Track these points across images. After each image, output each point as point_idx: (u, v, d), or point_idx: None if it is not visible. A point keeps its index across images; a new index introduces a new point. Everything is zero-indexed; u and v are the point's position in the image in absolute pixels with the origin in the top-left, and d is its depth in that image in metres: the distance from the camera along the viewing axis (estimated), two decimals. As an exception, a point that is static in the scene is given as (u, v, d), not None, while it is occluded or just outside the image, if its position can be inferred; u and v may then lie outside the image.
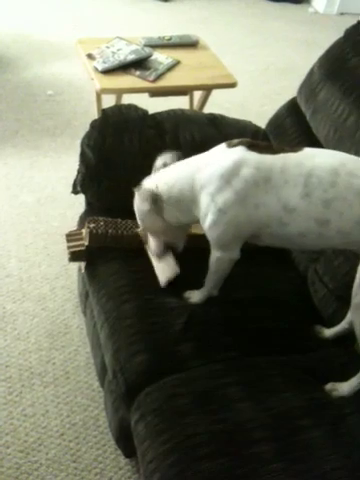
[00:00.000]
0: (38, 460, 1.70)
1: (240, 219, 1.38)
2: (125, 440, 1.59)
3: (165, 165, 1.54)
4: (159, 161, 1.57)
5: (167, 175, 1.50)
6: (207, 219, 1.41)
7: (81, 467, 1.69)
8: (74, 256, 1.72)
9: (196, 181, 1.42)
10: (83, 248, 1.70)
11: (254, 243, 1.45)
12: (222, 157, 1.40)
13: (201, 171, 1.41)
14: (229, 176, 1.36)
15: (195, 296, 1.55)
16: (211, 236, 1.45)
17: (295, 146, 1.82)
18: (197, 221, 1.49)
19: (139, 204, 1.52)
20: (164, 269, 1.58)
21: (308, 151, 1.41)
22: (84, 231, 1.72)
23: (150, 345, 1.44)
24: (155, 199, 1.45)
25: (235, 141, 1.43)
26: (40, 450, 1.72)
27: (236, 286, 1.49)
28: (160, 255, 1.59)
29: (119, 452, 1.70)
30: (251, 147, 1.39)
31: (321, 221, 1.33)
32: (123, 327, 1.49)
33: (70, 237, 1.75)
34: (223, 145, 1.45)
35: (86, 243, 1.69)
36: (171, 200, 1.46)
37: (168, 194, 1.46)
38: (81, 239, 1.72)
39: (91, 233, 1.66)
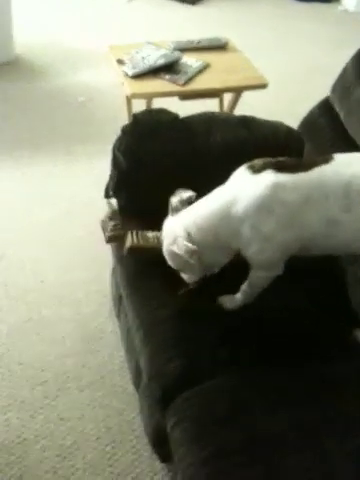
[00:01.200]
0: (75, 464, 1.71)
1: (287, 242, 1.35)
2: (161, 445, 1.58)
3: (182, 203, 1.47)
4: (175, 199, 1.49)
5: (196, 217, 1.41)
6: (252, 247, 1.36)
7: (117, 471, 1.70)
8: (112, 238, 1.72)
9: (232, 218, 1.35)
10: (121, 231, 1.69)
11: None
12: (253, 187, 1.33)
13: (235, 206, 1.34)
14: (268, 205, 1.31)
15: (231, 302, 1.52)
16: (257, 261, 1.41)
17: (330, 148, 1.81)
18: (234, 252, 1.45)
19: (177, 258, 1.43)
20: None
21: (341, 158, 1.35)
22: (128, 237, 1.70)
23: (186, 350, 1.43)
24: (197, 255, 1.38)
25: (257, 164, 1.37)
26: (77, 454, 1.73)
27: (271, 291, 1.47)
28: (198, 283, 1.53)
29: (155, 457, 1.69)
30: (279, 168, 1.32)
31: None
32: (159, 332, 1.48)
33: (105, 223, 1.76)
34: (245, 170, 1.38)
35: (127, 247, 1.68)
36: (207, 243, 1.40)
37: (204, 239, 1.39)
38: (119, 228, 1.72)
39: (131, 248, 1.65)
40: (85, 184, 2.76)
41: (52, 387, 1.91)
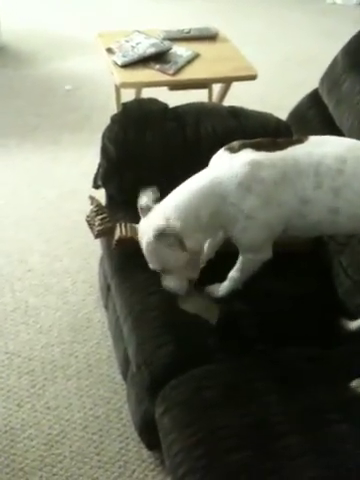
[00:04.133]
0: (62, 452, 1.71)
1: (270, 221, 1.37)
2: (148, 433, 1.59)
3: (151, 201, 1.43)
4: (143, 199, 1.45)
5: (173, 204, 1.38)
6: (236, 227, 1.38)
7: (104, 460, 1.70)
8: (101, 233, 1.69)
9: (214, 197, 1.36)
10: (109, 224, 1.65)
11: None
12: (233, 165, 1.35)
13: (215, 185, 1.35)
14: (248, 182, 1.33)
15: (219, 290, 1.53)
16: (242, 242, 1.42)
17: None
18: (223, 234, 1.47)
19: (160, 250, 1.38)
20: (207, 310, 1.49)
21: (315, 139, 1.39)
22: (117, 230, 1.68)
23: (176, 337, 1.43)
24: (179, 239, 1.34)
25: (235, 145, 1.40)
26: (64, 443, 1.73)
27: (260, 279, 1.48)
28: (187, 292, 1.48)
29: (142, 445, 1.70)
30: (256, 147, 1.36)
31: (333, 210, 1.33)
32: (148, 319, 1.49)
33: (91, 218, 1.73)
34: (224, 152, 1.41)
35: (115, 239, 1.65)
36: (190, 226, 1.36)
37: (185, 222, 1.35)
38: (107, 221, 1.69)
39: (120, 240, 1.63)
40: (73, 173, 2.74)
41: (39, 376, 1.90)
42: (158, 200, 1.44)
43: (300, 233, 1.45)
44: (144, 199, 1.45)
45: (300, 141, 1.38)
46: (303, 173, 1.32)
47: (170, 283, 1.46)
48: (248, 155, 1.35)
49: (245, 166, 1.33)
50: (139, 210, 1.47)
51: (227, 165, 1.37)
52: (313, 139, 1.38)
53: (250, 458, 1.16)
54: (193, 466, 1.20)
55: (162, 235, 1.35)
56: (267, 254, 1.43)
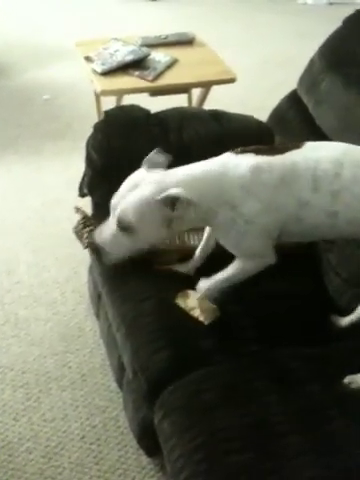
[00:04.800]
0: (61, 464, 1.70)
1: (269, 226, 1.36)
2: (147, 439, 1.59)
3: (160, 161, 1.38)
4: (154, 155, 1.40)
5: (188, 175, 1.34)
6: (232, 232, 1.36)
7: (104, 469, 1.70)
8: (90, 245, 1.66)
9: (222, 183, 1.33)
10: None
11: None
12: (238, 165, 1.34)
13: (225, 175, 1.34)
14: (249, 185, 1.33)
15: (201, 286, 1.47)
16: (239, 248, 1.40)
17: (299, 140, 1.84)
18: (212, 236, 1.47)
19: (151, 213, 1.31)
20: (204, 311, 1.47)
21: (311, 144, 1.40)
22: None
23: (172, 341, 1.43)
24: (188, 204, 1.29)
25: (238, 150, 1.40)
26: (62, 454, 1.72)
27: (255, 280, 1.49)
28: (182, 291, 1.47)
29: (141, 452, 1.70)
30: (258, 152, 1.37)
31: (331, 213, 1.33)
32: (142, 325, 1.48)
33: (78, 230, 1.71)
34: (228, 154, 1.40)
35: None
36: (193, 205, 1.31)
37: (195, 199, 1.30)
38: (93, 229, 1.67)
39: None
40: (56, 182, 2.73)
41: (33, 388, 1.89)
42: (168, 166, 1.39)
43: (296, 238, 1.44)
44: (158, 156, 1.39)
45: (297, 146, 1.39)
46: (301, 177, 1.33)
47: (117, 243, 1.36)
48: (251, 159, 1.35)
49: (249, 169, 1.33)
50: (144, 161, 1.39)
51: (233, 164, 1.36)
52: (309, 144, 1.40)
53: (250, 459, 1.17)
54: (195, 470, 1.20)
55: (169, 201, 1.28)
56: (271, 258, 1.41)
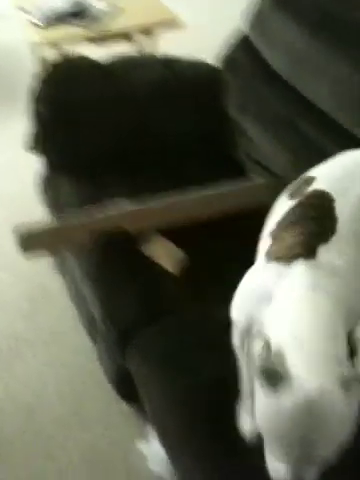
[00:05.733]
0: (42, 421, 1.70)
1: None
2: (125, 387, 1.59)
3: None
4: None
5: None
6: None
7: (87, 421, 1.71)
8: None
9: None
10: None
11: None
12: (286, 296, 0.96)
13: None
14: None
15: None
16: None
17: (252, 81, 1.83)
18: None
19: (342, 409, 0.83)
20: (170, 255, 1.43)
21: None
22: None
23: (141, 288, 1.42)
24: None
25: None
26: (42, 413, 1.72)
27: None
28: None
29: (122, 401, 1.71)
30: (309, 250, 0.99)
31: None
32: (108, 272, 1.46)
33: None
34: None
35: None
36: None
37: None
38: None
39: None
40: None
41: (5, 354, 1.87)
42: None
43: None
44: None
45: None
46: None
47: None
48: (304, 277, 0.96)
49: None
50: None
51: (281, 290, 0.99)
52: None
53: (229, 399, 1.15)
54: (173, 410, 1.22)
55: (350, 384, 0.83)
56: None
